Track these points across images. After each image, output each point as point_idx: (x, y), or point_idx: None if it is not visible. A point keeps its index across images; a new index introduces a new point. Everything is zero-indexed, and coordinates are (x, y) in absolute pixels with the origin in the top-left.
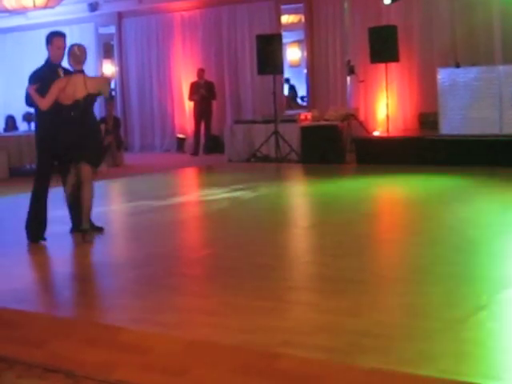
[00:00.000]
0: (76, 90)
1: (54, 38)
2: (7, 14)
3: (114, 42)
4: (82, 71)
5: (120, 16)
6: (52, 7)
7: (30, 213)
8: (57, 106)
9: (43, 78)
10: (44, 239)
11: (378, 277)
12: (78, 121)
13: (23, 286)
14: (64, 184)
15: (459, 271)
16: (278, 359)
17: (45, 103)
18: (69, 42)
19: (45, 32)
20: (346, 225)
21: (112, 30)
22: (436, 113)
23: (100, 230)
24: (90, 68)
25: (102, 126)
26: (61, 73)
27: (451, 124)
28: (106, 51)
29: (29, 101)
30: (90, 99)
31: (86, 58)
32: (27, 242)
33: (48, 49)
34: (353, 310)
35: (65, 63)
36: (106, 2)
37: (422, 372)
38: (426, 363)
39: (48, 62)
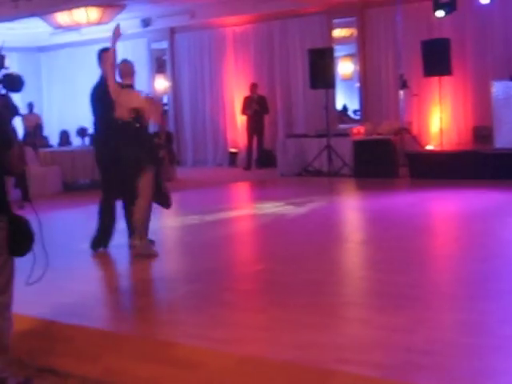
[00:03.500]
0: (129, 100)
1: (103, 54)
2: (61, 30)
3: (167, 57)
4: (131, 86)
5: (172, 31)
6: (105, 23)
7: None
8: (115, 122)
9: (104, 93)
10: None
11: (431, 293)
12: (136, 135)
13: (78, 299)
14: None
15: None
16: (331, 376)
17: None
18: (122, 57)
19: (98, 48)
20: (399, 240)
21: (164, 45)
22: (490, 126)
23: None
24: (142, 83)
25: (155, 141)
26: None
27: (506, 137)
28: (159, 66)
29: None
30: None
31: (134, 72)
32: (91, 252)
33: (100, 66)
34: (407, 327)
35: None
36: (159, 17)
37: None
38: (481, 381)
39: (102, 78)
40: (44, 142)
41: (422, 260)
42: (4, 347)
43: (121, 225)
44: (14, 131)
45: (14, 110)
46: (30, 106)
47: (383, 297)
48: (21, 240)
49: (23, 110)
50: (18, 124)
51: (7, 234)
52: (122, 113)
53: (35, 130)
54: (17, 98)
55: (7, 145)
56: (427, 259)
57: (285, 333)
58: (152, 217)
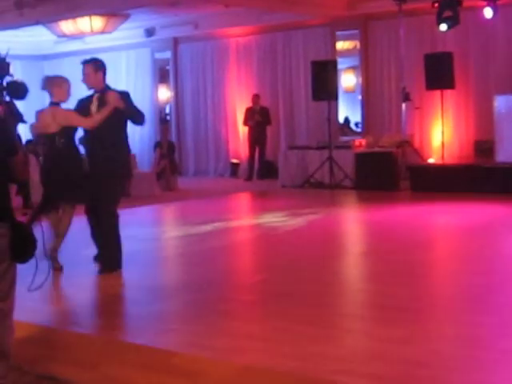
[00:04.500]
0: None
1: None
2: (65, 39)
3: (170, 67)
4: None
5: (176, 41)
6: (109, 32)
7: (117, 239)
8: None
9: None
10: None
11: (432, 306)
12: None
13: (78, 307)
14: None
15: None
16: None
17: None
18: (125, 66)
19: (102, 57)
20: (399, 252)
21: (168, 55)
22: (492, 140)
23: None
24: (145, 92)
25: (157, 151)
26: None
27: (507, 151)
28: (162, 76)
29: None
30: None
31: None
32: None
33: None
34: (407, 339)
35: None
36: (163, 27)
37: None
38: None
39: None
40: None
41: (422, 273)
42: (5, 354)
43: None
44: (18, 138)
45: (18, 117)
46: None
47: (383, 309)
48: (23, 246)
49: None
50: (22, 131)
51: (9, 241)
52: None
53: (39, 137)
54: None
55: (12, 152)
56: (428, 272)
57: (284, 343)
58: (153, 226)
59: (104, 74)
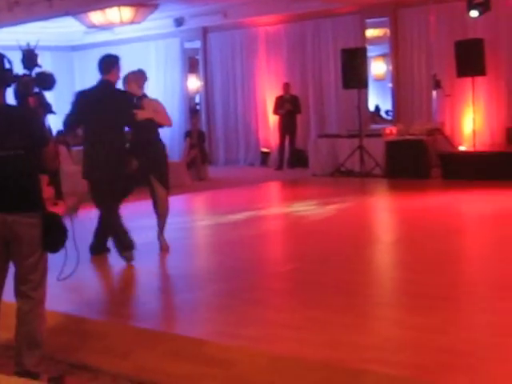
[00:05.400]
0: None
1: (118, 62)
2: (94, 30)
3: (199, 57)
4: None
5: (205, 31)
6: (138, 23)
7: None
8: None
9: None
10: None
11: (464, 293)
12: None
13: (108, 297)
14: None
15: None
16: (362, 375)
17: None
18: (155, 56)
19: (131, 47)
20: (431, 241)
21: (197, 44)
22: None
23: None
24: (175, 82)
25: (187, 140)
26: None
27: None
28: (191, 66)
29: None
30: None
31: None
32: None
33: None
34: (439, 327)
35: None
36: (192, 16)
37: None
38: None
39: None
40: (78, 140)
41: (454, 261)
42: (37, 343)
43: (149, 221)
44: (48, 129)
45: (47, 108)
46: None
47: (415, 297)
48: (54, 236)
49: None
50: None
51: (42, 231)
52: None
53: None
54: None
55: (42, 143)
56: (460, 260)
57: (316, 332)
58: (184, 215)
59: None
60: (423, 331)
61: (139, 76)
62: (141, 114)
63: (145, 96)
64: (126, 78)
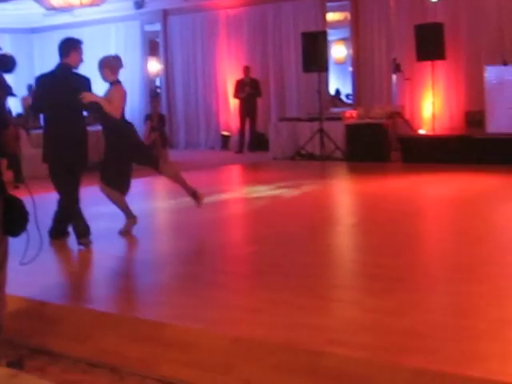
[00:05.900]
0: None
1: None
2: (54, 12)
3: (160, 40)
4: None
5: (165, 13)
6: (98, 5)
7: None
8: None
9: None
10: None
11: (423, 276)
12: None
13: (66, 281)
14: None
15: (507, 271)
16: (322, 357)
17: None
18: (115, 39)
19: (91, 30)
20: (390, 223)
21: (157, 27)
22: (482, 111)
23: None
24: (135, 65)
25: (148, 123)
26: None
27: (498, 122)
28: (152, 49)
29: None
30: None
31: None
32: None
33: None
34: (398, 309)
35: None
36: None
37: (468, 373)
38: (472, 364)
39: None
40: (37, 123)
41: (413, 243)
42: None
43: (109, 208)
44: (8, 112)
45: (7, 91)
46: (30, 87)
47: (374, 279)
48: (15, 220)
49: (22, 91)
50: (12, 105)
51: (2, 214)
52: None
53: (28, 111)
54: (13, 80)
55: (2, 125)
56: (418, 243)
57: (276, 314)
58: (144, 198)
59: None
60: (382, 313)
61: (113, 62)
62: (87, 97)
63: (118, 82)
64: (101, 63)
